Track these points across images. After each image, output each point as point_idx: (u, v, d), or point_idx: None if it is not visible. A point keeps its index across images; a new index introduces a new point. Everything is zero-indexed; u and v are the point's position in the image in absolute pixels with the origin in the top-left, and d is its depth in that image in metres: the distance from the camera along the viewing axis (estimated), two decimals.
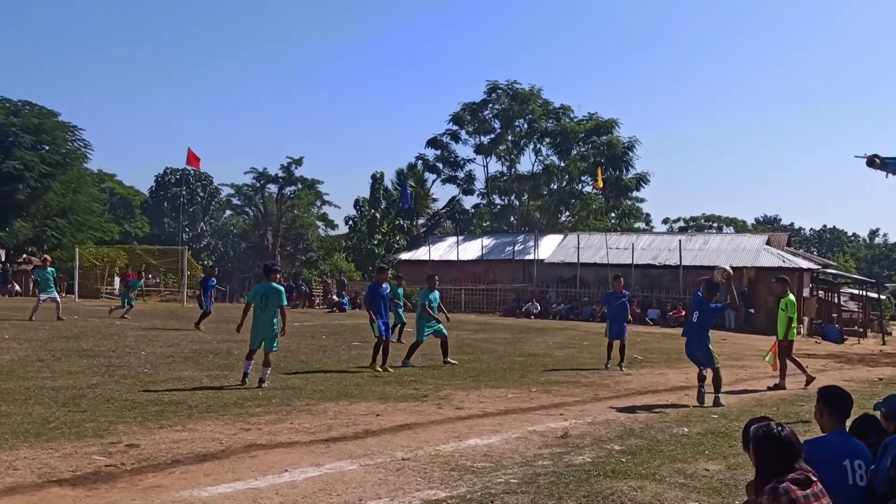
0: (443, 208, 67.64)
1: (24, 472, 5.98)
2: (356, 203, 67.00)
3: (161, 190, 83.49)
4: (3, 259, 49.49)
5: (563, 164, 57.68)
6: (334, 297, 41.59)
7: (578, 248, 40.35)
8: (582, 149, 57.36)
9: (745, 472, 6.32)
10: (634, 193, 59.19)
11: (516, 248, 45.31)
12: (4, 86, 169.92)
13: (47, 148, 47.60)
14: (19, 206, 45.98)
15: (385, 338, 13.76)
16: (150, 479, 5.95)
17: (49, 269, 23.00)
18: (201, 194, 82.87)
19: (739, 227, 75.37)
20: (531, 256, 43.36)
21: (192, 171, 73.69)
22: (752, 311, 32.34)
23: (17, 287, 41.67)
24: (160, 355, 14.43)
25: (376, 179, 66.27)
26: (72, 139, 50.13)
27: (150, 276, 48.81)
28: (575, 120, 57.35)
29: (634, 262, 37.05)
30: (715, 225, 76.68)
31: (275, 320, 11.51)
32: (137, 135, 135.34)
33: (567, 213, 61.78)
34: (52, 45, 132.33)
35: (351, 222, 67.56)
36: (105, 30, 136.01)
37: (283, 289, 11.94)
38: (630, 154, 56.18)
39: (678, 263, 36.06)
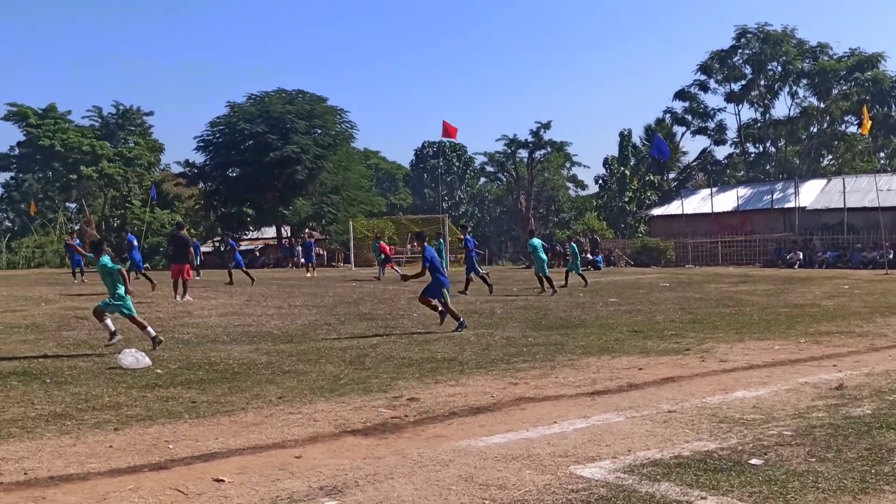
0: (694, 161, 65.24)
1: (323, 424, 6.70)
2: (605, 162, 66.36)
3: (420, 162, 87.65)
4: (289, 234, 54.46)
5: (822, 106, 53.46)
6: (588, 255, 41.60)
7: (844, 192, 37.43)
8: (843, 87, 52.82)
9: None
10: None
11: (775, 197, 42.85)
12: (282, 78, 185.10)
13: (319, 131, 51.51)
14: (299, 187, 50.26)
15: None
16: (431, 430, 6.45)
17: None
18: (457, 164, 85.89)
19: None
20: (791, 204, 40.90)
21: (447, 143, 76.32)
22: None
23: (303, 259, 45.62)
24: (429, 316, 15.32)
25: (624, 137, 65.01)
26: (340, 121, 53.85)
27: (415, 243, 51.58)
28: (834, 57, 52.79)
29: None
30: None
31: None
32: (396, 112, 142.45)
33: (829, 157, 57.38)
34: (319, 38, 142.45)
35: (601, 181, 67.07)
36: (363, 20, 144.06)
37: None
38: None
39: None
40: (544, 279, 21.12)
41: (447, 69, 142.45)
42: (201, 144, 52.65)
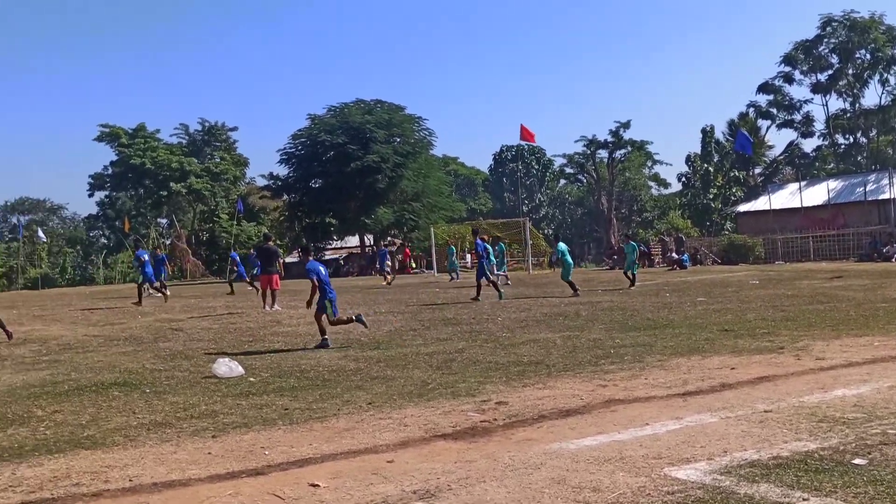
0: (780, 154, 63.54)
1: (413, 428, 6.76)
2: (688, 159, 65.19)
3: (499, 167, 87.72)
4: (371, 242, 55.12)
5: None
6: (674, 254, 40.91)
7: None
8: None
9: None
10: None
11: (868, 189, 41.32)
12: (360, 90, 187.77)
13: (398, 140, 52.10)
14: (380, 195, 50.87)
15: None
16: (521, 433, 6.43)
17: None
18: (536, 167, 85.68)
19: None
20: (886, 195, 39.38)
21: (526, 146, 76.25)
22: None
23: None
24: (514, 320, 15.31)
25: (706, 133, 63.78)
26: (418, 129, 54.36)
27: (496, 248, 51.56)
28: None
29: None
30: None
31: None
32: (474, 118, 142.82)
33: None
34: (396, 49, 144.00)
35: (684, 179, 65.89)
36: (439, 28, 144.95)
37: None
38: None
39: None
40: (569, 284, 21.61)
41: (524, 73, 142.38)
42: (284, 157, 53.90)
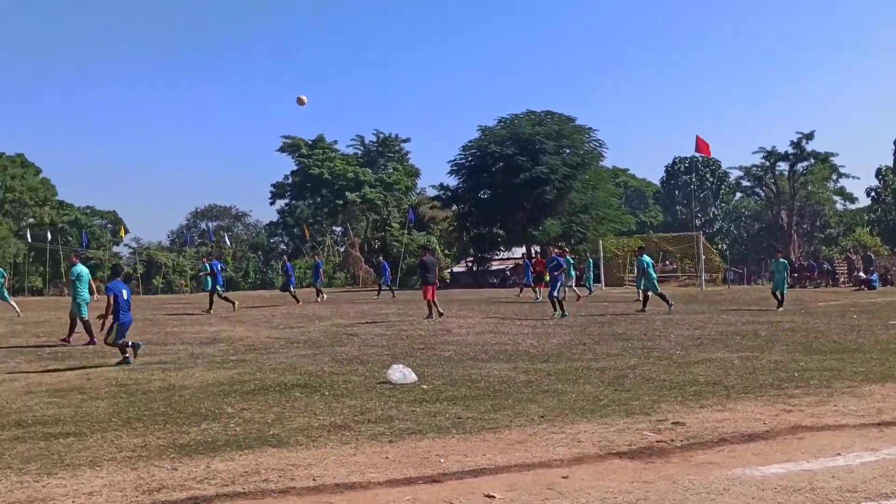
0: None
1: (587, 444, 6.65)
2: (878, 172, 61.11)
3: (671, 179, 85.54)
4: (537, 254, 54.99)
5: None
6: (861, 274, 38.35)
7: None
8: None
9: None
10: None
11: None
12: (531, 101, 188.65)
13: (568, 151, 51.79)
14: (548, 206, 50.73)
15: None
16: (701, 456, 6.20)
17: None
18: (710, 179, 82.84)
19: None
20: None
21: (700, 158, 73.90)
22: None
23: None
24: (688, 337, 14.83)
25: None
26: (588, 140, 53.83)
27: (667, 262, 50.24)
28: None
29: None
30: None
31: None
32: (645, 129, 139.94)
33: None
34: (566, 60, 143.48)
35: (873, 193, 61.68)
36: (608, 38, 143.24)
37: None
38: None
39: None
40: (658, 296, 21.99)
41: (698, 81, 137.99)
42: (454, 168, 54.79)
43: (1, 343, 15.87)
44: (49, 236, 63.38)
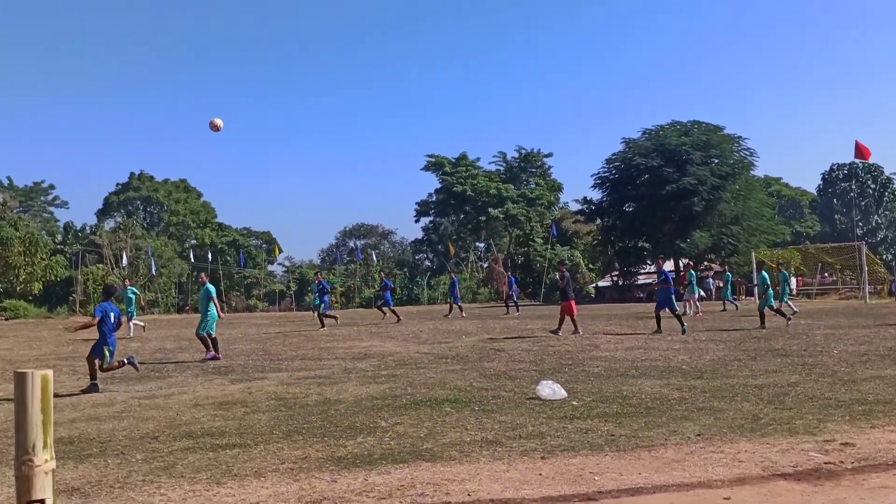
0: None
1: (748, 465, 6.39)
2: None
3: (829, 187, 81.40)
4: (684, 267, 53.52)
5: None
6: None
7: None
8: None
9: None
10: None
11: None
12: (677, 111, 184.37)
13: (716, 161, 50.22)
14: (696, 218, 49.31)
15: None
16: (874, 480, 5.83)
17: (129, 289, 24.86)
18: (872, 186, 78.24)
19: None
20: None
21: (860, 164, 69.97)
22: None
23: (702, 292, 44.53)
24: (853, 353, 14.02)
25: None
26: (737, 149, 52.03)
27: (825, 274, 47.73)
28: None
29: None
30: None
31: None
32: (799, 135, 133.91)
33: None
34: (710, 69, 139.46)
35: None
36: (750, 44, 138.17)
37: None
38: None
39: None
40: (760, 312, 21.51)
41: (857, 83, 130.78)
42: (598, 181, 54.22)
43: (170, 358, 16.94)
44: (210, 257, 67.06)
